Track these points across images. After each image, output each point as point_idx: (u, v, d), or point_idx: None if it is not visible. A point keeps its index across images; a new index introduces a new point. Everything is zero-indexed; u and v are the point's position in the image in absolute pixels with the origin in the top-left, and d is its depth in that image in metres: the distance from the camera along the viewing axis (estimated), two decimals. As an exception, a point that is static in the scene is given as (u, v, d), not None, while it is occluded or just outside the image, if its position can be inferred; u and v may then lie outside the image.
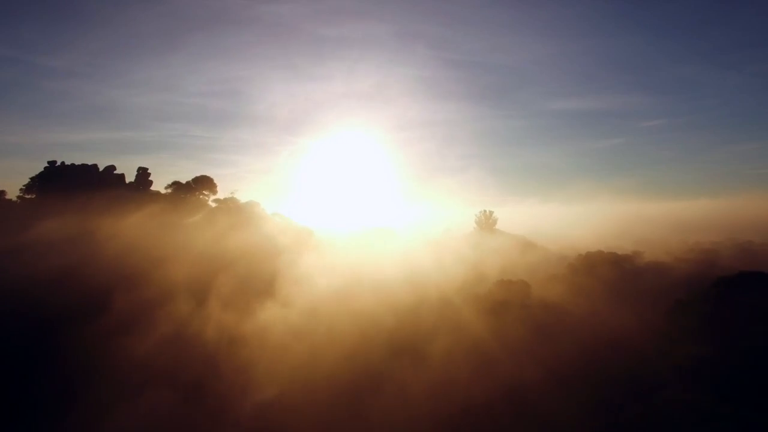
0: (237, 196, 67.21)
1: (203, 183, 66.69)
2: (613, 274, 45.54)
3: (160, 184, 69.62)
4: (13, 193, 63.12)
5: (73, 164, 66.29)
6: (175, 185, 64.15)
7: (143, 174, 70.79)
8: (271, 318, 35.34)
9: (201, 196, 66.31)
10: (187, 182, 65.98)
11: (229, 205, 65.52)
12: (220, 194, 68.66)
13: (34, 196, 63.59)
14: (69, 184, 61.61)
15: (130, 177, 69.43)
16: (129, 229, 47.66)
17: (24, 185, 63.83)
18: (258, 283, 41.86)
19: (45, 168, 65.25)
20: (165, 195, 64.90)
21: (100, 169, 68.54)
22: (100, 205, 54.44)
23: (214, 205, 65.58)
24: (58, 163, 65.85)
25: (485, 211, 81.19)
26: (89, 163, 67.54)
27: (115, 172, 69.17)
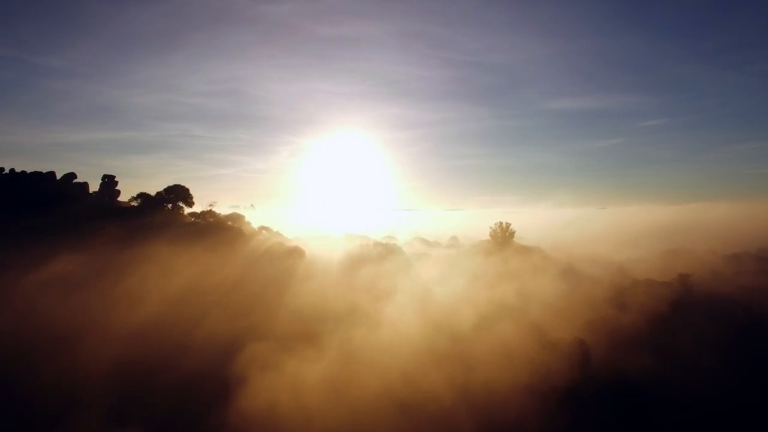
0: (216, 208, 58.12)
1: (177, 194, 57.33)
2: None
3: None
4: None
5: (24, 172, 56.72)
6: (142, 198, 54.69)
7: (109, 183, 61.44)
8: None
9: (174, 209, 56.98)
10: (158, 193, 56.59)
11: (207, 219, 56.22)
12: (199, 204, 59.83)
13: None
14: (16, 197, 52.08)
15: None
16: (76, 265, 37.88)
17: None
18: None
19: (-13, 177, 55.76)
20: (133, 208, 55.46)
21: (58, 177, 59.10)
22: (46, 226, 44.90)
23: (190, 219, 56.30)
24: (6, 171, 56.31)
25: (501, 223, 72.25)
26: (44, 171, 57.97)
27: (76, 180, 59.71)
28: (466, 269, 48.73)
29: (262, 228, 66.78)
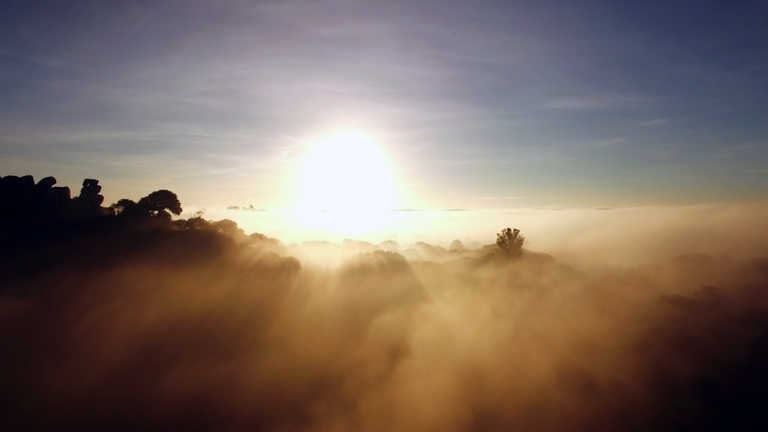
0: (215, 209, 54.35)
1: (163, 200, 53.35)
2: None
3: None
4: None
5: (-4, 177, 52.61)
6: (125, 206, 50.62)
7: (92, 188, 57.31)
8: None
9: (160, 217, 52.98)
10: (143, 200, 52.58)
11: (195, 227, 52.20)
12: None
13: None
14: (-13, 204, 48.06)
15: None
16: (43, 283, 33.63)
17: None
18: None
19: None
20: (114, 218, 51.44)
21: (36, 181, 54.98)
22: (11, 241, 40.85)
23: (176, 228, 52.26)
24: (-21, 176, 52.23)
25: (509, 230, 68.17)
26: (20, 176, 53.83)
27: (55, 185, 55.59)
28: (478, 286, 44.62)
29: (256, 236, 62.93)
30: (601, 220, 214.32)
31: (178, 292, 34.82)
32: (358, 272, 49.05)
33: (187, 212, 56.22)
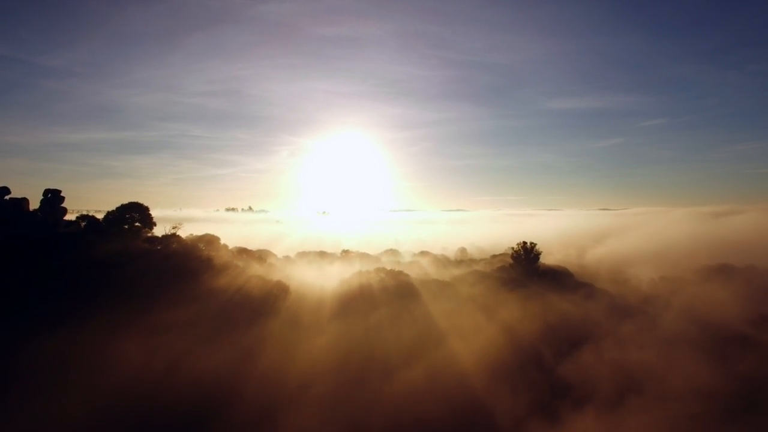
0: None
1: (133, 214, 46.40)
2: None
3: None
4: None
5: (-60, 188, 45.62)
6: (87, 222, 43.55)
7: (53, 199, 50.18)
8: None
9: (130, 233, 45.98)
10: (109, 214, 45.61)
11: (169, 246, 45.22)
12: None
13: None
14: None
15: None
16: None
17: None
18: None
19: None
20: (74, 237, 44.35)
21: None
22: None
23: (147, 247, 45.25)
24: None
25: (526, 243, 61.16)
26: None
27: (9, 197, 48.53)
28: (502, 318, 37.73)
29: (242, 251, 56.02)
30: (608, 223, 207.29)
31: (141, 348, 27.71)
32: (357, 299, 42.12)
33: (163, 227, 49.39)
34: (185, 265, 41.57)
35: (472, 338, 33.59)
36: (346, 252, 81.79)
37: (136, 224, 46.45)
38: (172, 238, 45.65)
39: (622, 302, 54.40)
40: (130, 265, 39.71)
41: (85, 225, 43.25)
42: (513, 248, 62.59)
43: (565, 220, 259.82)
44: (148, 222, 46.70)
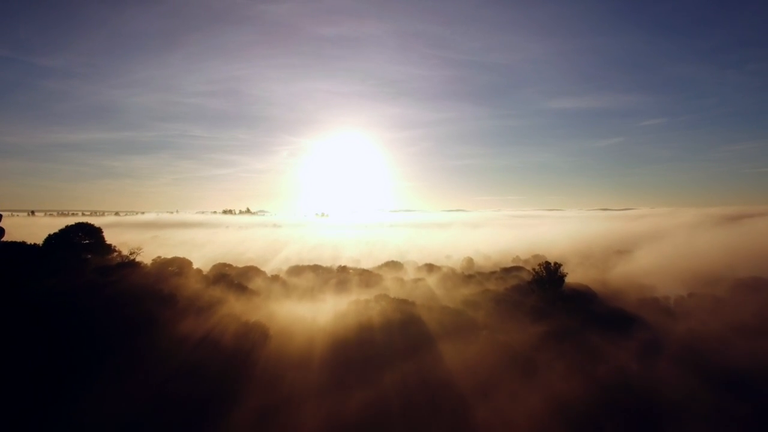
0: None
1: (81, 237, 38.09)
2: None
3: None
4: None
5: None
6: (17, 249, 35.04)
7: (-11, 217, 41.97)
8: None
9: (75, 260, 37.63)
10: (49, 238, 37.26)
11: (127, 278, 36.88)
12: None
13: None
14: None
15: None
16: None
17: None
18: None
19: None
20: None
21: None
22: None
23: (96, 279, 36.88)
24: None
25: (551, 264, 52.89)
26: None
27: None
28: (535, 367, 29.61)
29: (220, 277, 47.61)
30: (617, 228, 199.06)
31: None
32: (354, 346, 33.83)
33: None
34: (141, 306, 33.19)
35: (509, 408, 25.43)
36: (343, 268, 73.51)
37: (85, 253, 38.14)
38: (128, 267, 37.34)
39: (664, 336, 46.40)
40: (64, 310, 31.24)
41: (15, 253, 34.82)
42: (534, 270, 54.30)
43: (571, 223, 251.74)
44: (100, 247, 38.42)
